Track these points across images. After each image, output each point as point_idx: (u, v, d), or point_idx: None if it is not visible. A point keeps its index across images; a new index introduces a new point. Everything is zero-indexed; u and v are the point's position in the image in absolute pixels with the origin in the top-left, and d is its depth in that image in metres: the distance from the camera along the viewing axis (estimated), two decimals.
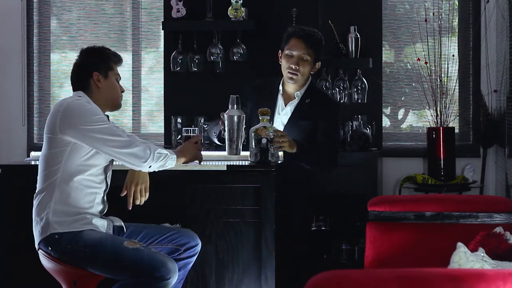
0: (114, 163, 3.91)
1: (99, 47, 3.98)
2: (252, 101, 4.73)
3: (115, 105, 3.96)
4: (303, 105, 4.70)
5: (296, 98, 4.72)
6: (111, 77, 3.90)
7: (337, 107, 4.82)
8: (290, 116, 4.67)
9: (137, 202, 3.90)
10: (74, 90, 3.90)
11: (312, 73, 4.74)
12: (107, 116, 3.97)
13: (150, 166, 3.80)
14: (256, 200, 4.07)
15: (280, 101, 4.74)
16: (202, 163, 4.08)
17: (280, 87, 4.76)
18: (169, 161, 3.86)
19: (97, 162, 3.79)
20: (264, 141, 4.17)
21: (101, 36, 6.36)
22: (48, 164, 3.77)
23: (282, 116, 4.70)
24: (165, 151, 3.85)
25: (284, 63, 4.68)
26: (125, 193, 3.90)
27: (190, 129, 4.25)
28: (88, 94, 3.86)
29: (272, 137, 4.22)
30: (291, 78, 4.66)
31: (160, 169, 3.86)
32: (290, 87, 4.74)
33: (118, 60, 3.98)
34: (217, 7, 5.89)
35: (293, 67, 4.64)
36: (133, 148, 3.75)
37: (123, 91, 3.98)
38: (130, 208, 3.89)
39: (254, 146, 4.20)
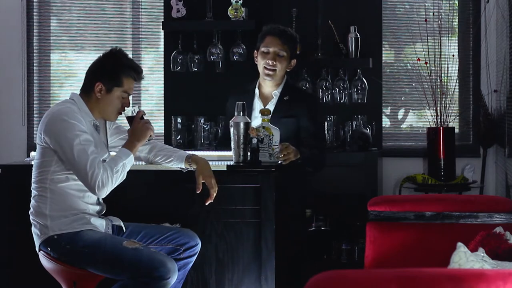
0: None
1: (121, 58, 3.87)
2: (233, 106, 4.80)
3: (110, 119, 3.93)
4: (283, 103, 4.75)
5: (274, 97, 4.79)
6: (115, 93, 3.83)
7: (315, 100, 4.97)
8: (272, 116, 4.69)
9: (215, 194, 3.94)
10: (81, 86, 3.90)
11: (288, 70, 4.81)
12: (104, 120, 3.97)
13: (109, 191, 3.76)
14: (256, 200, 4.07)
15: (258, 103, 4.80)
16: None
17: (257, 90, 4.82)
18: (128, 166, 3.79)
19: None
20: (254, 141, 4.17)
21: (101, 36, 6.36)
22: (39, 171, 3.79)
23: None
24: (120, 162, 3.74)
25: (260, 60, 4.75)
26: (201, 190, 3.94)
27: (131, 110, 3.94)
28: (87, 99, 3.85)
29: (262, 137, 4.22)
30: (268, 75, 4.73)
31: (122, 180, 3.81)
32: (267, 86, 4.81)
33: (136, 77, 3.87)
34: (217, 7, 5.89)
35: (270, 62, 4.71)
36: (94, 181, 3.67)
37: (127, 106, 3.89)
38: (208, 203, 3.96)
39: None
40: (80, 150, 3.68)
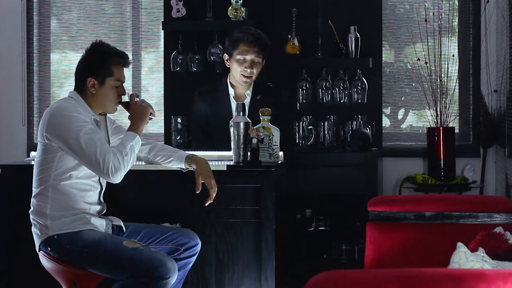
0: None
1: (105, 49, 3.89)
2: (204, 106, 4.94)
3: (109, 111, 3.94)
4: (256, 102, 4.84)
5: (248, 96, 4.90)
6: (108, 83, 3.85)
7: (280, 94, 5.19)
8: (248, 115, 4.74)
9: (214, 194, 3.95)
10: (74, 87, 3.90)
11: (260, 70, 4.92)
12: (105, 115, 3.97)
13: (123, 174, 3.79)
14: (256, 200, 4.07)
15: (233, 103, 4.89)
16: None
17: (231, 90, 4.92)
18: (136, 148, 3.83)
19: None
20: (254, 141, 4.17)
21: (101, 36, 6.35)
22: (40, 169, 3.79)
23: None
24: (128, 144, 3.79)
25: (236, 67, 4.85)
26: (200, 190, 3.95)
27: (124, 97, 3.95)
28: (83, 96, 3.85)
29: (262, 137, 4.23)
30: (245, 82, 4.85)
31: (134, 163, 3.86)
32: (241, 88, 4.92)
33: (125, 63, 3.91)
34: (217, 7, 5.89)
35: (248, 71, 4.83)
36: (106, 168, 3.70)
37: (123, 94, 3.92)
38: (208, 203, 3.96)
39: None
40: (88, 140, 3.70)
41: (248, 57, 4.82)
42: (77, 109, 3.77)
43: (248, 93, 4.90)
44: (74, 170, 3.76)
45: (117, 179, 3.75)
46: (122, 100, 3.94)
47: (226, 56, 4.91)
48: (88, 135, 3.71)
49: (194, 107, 5.05)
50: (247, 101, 4.88)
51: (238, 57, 4.83)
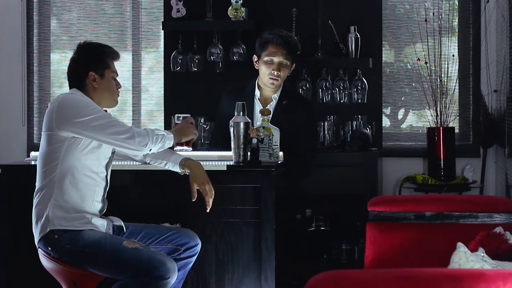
0: (113, 163, 3.93)
1: (96, 44, 3.97)
2: (229, 106, 4.81)
3: (111, 104, 3.96)
4: (281, 107, 4.82)
5: (274, 100, 4.86)
6: (107, 75, 3.89)
7: (311, 107, 5.03)
8: (272, 119, 4.73)
9: (211, 201, 3.92)
10: (70, 87, 3.91)
11: (288, 75, 4.90)
12: (105, 111, 3.98)
13: (150, 149, 3.85)
14: (256, 200, 4.07)
15: (258, 105, 4.86)
16: (204, 163, 4.05)
17: (257, 92, 4.88)
18: (168, 141, 3.90)
19: (96, 157, 3.79)
20: (254, 141, 4.17)
21: (101, 36, 6.36)
22: (46, 161, 3.77)
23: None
24: (162, 132, 3.88)
25: (264, 70, 4.81)
26: (196, 198, 3.92)
27: (182, 116, 4.24)
28: (84, 92, 3.87)
29: (262, 137, 4.23)
30: (272, 84, 4.81)
31: (160, 150, 3.91)
32: (268, 91, 4.88)
33: (116, 56, 3.96)
34: (217, 7, 5.89)
35: (275, 73, 4.78)
36: (131, 133, 3.78)
37: (120, 87, 3.96)
38: (209, 208, 3.94)
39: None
40: (106, 116, 3.80)
41: (276, 59, 4.78)
42: (84, 98, 3.83)
43: (275, 96, 4.86)
44: (82, 161, 3.75)
45: (143, 146, 3.80)
46: (178, 118, 4.22)
47: (255, 58, 4.88)
48: (104, 114, 3.80)
49: (219, 105, 5.03)
50: (273, 104, 4.86)
51: (266, 58, 4.80)
